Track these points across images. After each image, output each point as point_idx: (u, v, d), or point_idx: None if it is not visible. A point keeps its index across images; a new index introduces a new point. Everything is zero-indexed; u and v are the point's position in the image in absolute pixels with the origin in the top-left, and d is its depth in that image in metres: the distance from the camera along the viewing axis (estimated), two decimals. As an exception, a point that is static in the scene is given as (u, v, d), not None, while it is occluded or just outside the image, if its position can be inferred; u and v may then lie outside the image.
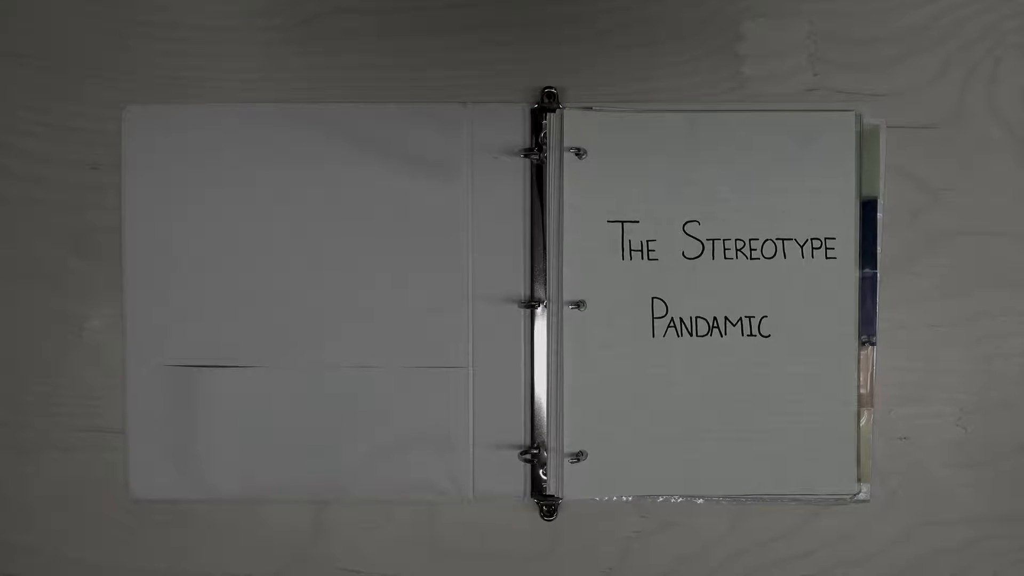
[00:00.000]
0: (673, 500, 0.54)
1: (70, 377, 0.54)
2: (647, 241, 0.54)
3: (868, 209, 0.54)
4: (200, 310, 0.54)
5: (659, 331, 0.54)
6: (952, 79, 0.55)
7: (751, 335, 0.54)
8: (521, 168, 0.54)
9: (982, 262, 0.55)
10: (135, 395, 0.54)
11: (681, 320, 0.54)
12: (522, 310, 0.54)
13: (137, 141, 0.54)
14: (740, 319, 0.54)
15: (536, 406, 0.54)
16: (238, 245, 0.54)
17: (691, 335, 0.54)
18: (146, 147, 0.54)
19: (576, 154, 0.53)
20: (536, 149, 0.53)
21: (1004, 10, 0.55)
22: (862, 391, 0.54)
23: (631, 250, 0.54)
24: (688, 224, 0.54)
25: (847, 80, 0.55)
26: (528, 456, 0.53)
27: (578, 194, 0.53)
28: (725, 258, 0.54)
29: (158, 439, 0.54)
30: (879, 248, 0.54)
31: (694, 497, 0.54)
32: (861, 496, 0.54)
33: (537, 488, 0.54)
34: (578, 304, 0.53)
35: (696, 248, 0.54)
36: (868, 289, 0.54)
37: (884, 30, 0.55)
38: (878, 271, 0.54)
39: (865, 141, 0.54)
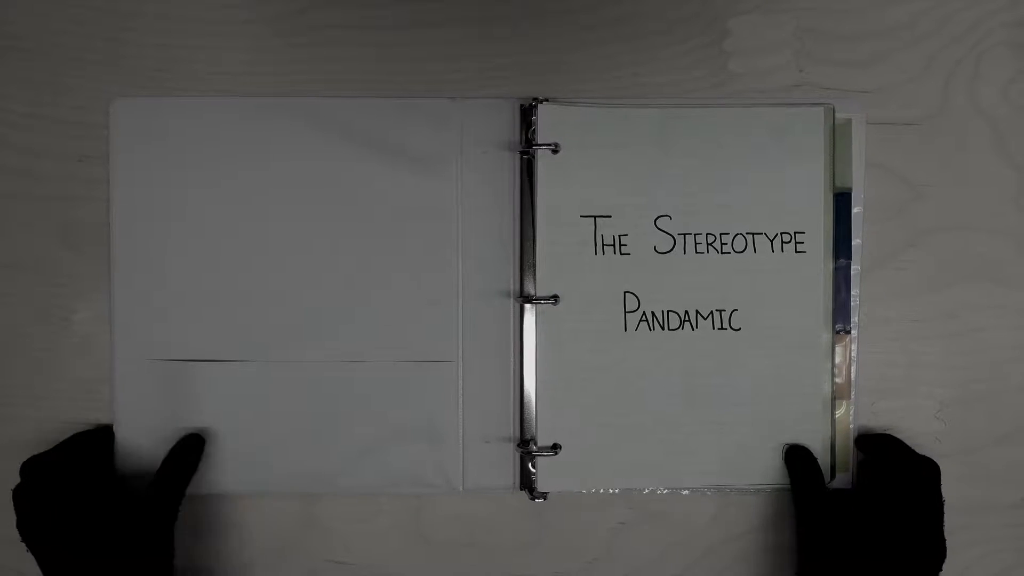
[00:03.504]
0: (659, 491, 0.55)
1: (58, 369, 0.54)
2: (619, 236, 0.54)
3: (842, 200, 0.55)
4: (188, 304, 0.54)
5: (631, 325, 0.54)
6: (935, 76, 0.55)
7: (721, 328, 0.54)
8: (510, 163, 0.54)
9: (963, 257, 0.56)
10: (123, 390, 0.54)
11: (653, 314, 0.54)
12: (511, 304, 0.54)
13: (125, 134, 0.54)
14: (711, 313, 0.54)
15: (525, 400, 0.54)
16: (226, 239, 0.54)
17: (663, 329, 0.54)
18: (134, 140, 0.54)
19: (552, 149, 0.53)
20: (525, 144, 0.54)
21: (987, 7, 0.55)
22: (838, 381, 0.55)
23: (604, 244, 0.54)
24: (660, 219, 0.54)
25: (832, 76, 0.55)
26: (526, 449, 0.53)
27: (552, 189, 0.53)
28: (696, 252, 0.54)
29: (147, 434, 0.54)
30: (862, 243, 0.55)
31: (679, 489, 0.55)
32: (838, 486, 0.55)
33: (526, 480, 0.54)
34: (552, 298, 0.53)
35: (668, 243, 0.54)
36: (843, 279, 0.55)
37: (869, 27, 0.55)
38: (857, 263, 0.54)
39: (838, 134, 0.54)
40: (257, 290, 0.54)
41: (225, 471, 0.54)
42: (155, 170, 0.54)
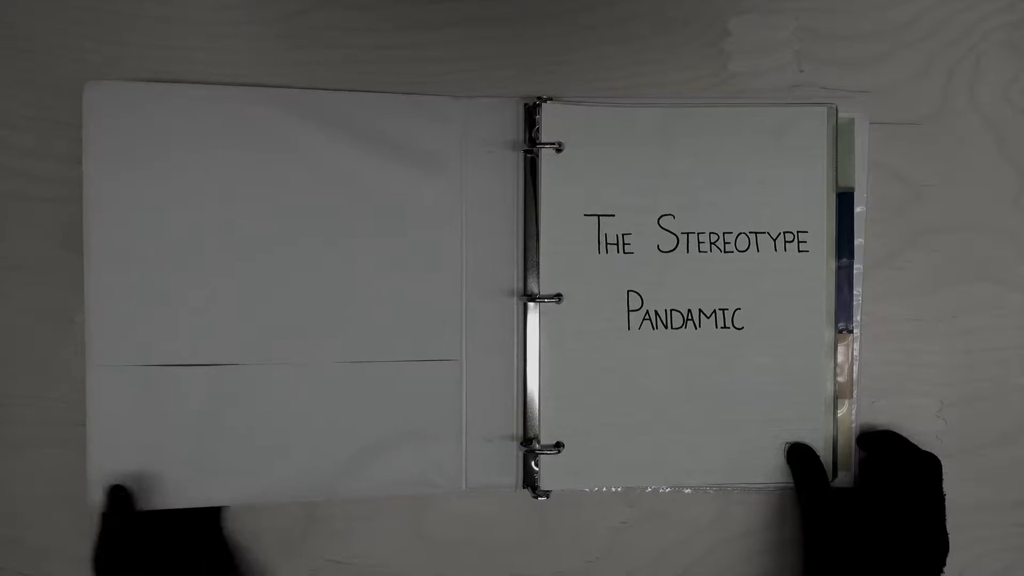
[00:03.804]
0: (661, 491, 0.55)
1: (60, 371, 0.54)
2: (623, 235, 0.54)
3: (845, 200, 0.55)
4: (177, 305, 0.51)
5: (634, 324, 0.54)
6: (936, 76, 0.56)
7: (724, 327, 0.54)
8: (514, 161, 0.54)
9: (964, 257, 0.56)
10: (98, 401, 0.50)
11: (656, 313, 0.54)
12: (514, 303, 0.54)
13: (100, 122, 0.51)
14: (714, 311, 0.54)
15: (528, 398, 0.54)
16: (217, 236, 0.52)
17: (666, 327, 0.54)
18: (110, 129, 0.51)
19: (555, 148, 0.53)
20: (529, 143, 0.53)
21: (986, 8, 0.56)
22: (840, 380, 0.55)
23: (607, 244, 0.54)
24: (663, 218, 0.54)
25: (832, 76, 0.56)
26: (529, 448, 0.53)
27: (556, 188, 0.53)
28: (699, 251, 0.54)
29: (125, 449, 0.51)
30: (864, 243, 0.55)
31: (682, 487, 0.55)
32: (840, 485, 0.55)
33: (529, 479, 0.54)
34: (555, 297, 0.53)
35: (671, 242, 0.54)
36: (845, 278, 0.55)
37: (869, 27, 0.56)
38: (860, 264, 0.55)
39: (841, 134, 0.54)
40: (251, 290, 0.52)
41: (222, 483, 0.52)
42: (139, 163, 0.51)
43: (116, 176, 0.51)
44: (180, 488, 0.51)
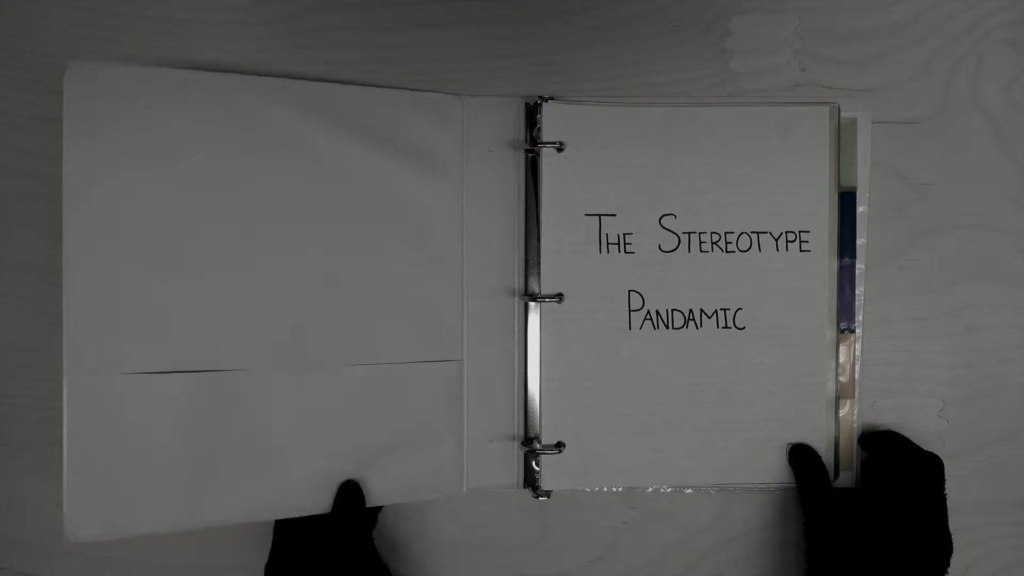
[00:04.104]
0: (663, 491, 0.55)
1: (59, 370, 0.53)
2: (624, 234, 0.54)
3: (847, 199, 0.55)
4: (165, 308, 0.48)
5: (636, 324, 0.54)
6: (937, 74, 0.56)
7: (726, 327, 0.54)
8: (515, 161, 0.54)
9: (966, 256, 0.56)
10: (78, 416, 0.46)
11: (657, 313, 0.54)
12: (516, 303, 0.54)
13: (81, 109, 0.46)
14: (715, 311, 0.54)
15: (529, 399, 0.54)
16: (209, 235, 0.49)
17: (667, 327, 0.54)
18: (94, 119, 0.47)
19: (556, 148, 0.53)
20: (530, 142, 0.53)
21: (988, 6, 0.56)
22: (842, 380, 0.55)
23: (608, 243, 0.54)
24: (664, 218, 0.54)
25: (834, 76, 0.55)
26: (530, 448, 0.53)
27: (557, 187, 0.53)
28: (701, 251, 0.54)
29: (105, 467, 0.46)
30: (866, 242, 0.55)
31: (683, 487, 0.55)
32: (842, 485, 0.55)
33: (530, 479, 0.54)
34: (556, 297, 0.53)
35: (672, 241, 0.54)
36: (847, 278, 0.55)
37: (870, 25, 0.56)
38: (863, 264, 0.55)
39: (843, 133, 0.54)
40: (247, 292, 0.49)
41: (221, 502, 0.49)
42: (126, 154, 0.47)
43: (98, 167, 0.47)
44: (173, 503, 0.48)
